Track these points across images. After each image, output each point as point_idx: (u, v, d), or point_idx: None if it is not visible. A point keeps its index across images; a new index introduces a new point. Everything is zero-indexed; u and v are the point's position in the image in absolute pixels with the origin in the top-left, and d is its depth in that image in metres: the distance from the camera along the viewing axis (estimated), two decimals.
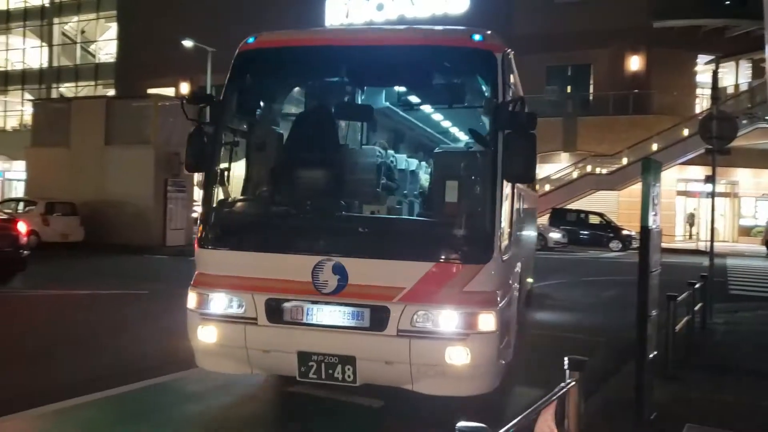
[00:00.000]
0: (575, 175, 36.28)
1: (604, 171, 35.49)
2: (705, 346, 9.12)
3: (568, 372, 3.79)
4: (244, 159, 6.34)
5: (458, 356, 5.14)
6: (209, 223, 5.92)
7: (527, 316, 10.43)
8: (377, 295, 5.25)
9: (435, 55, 5.92)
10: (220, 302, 5.59)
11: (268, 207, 6.28)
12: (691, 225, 37.09)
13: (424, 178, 7.89)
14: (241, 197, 6.27)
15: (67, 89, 49.32)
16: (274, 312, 5.43)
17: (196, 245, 5.81)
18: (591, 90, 38.66)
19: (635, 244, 29.33)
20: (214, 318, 5.60)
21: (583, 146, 36.32)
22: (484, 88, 5.80)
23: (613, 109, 36.11)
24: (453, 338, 5.16)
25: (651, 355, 5.70)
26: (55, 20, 50.11)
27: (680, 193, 36.46)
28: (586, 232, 32.05)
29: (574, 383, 3.83)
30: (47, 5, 49.94)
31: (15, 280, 13.72)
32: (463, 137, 7.40)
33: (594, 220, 32.48)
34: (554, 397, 3.60)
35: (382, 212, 6.31)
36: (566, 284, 16.68)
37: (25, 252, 13.83)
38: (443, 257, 5.30)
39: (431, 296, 5.18)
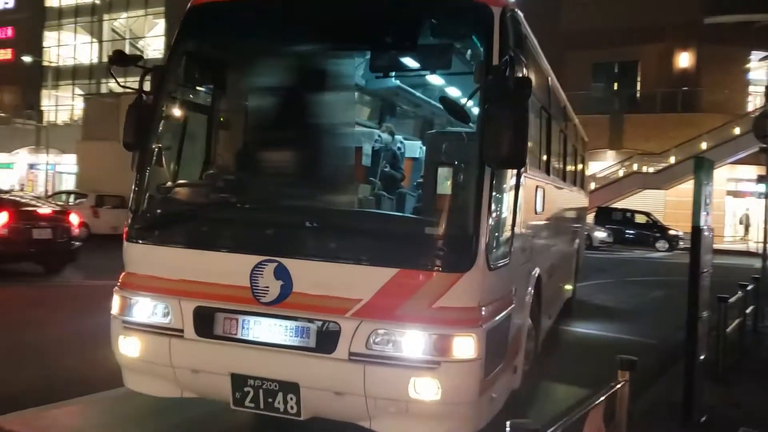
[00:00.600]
0: (621, 173, 35.75)
1: (651, 170, 34.89)
2: (756, 349, 8.92)
3: (617, 372, 3.75)
4: (186, 136, 5.42)
5: (426, 390, 4.07)
6: (138, 212, 4.87)
7: (559, 327, 9.91)
8: (326, 308, 4.23)
9: (420, 9, 4.77)
10: (144, 308, 4.65)
11: (205, 194, 5.25)
12: (747, 226, 36.12)
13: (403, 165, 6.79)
14: (178, 182, 5.27)
15: (116, 85, 50.21)
16: (204, 323, 4.46)
17: (124, 238, 4.89)
18: (638, 87, 38.02)
19: (682, 244, 28.84)
20: (136, 327, 4.67)
21: (629, 144, 35.76)
22: (475, 50, 4.75)
23: (661, 107, 35.48)
24: (419, 367, 4.08)
25: (701, 358, 5.60)
26: (105, 17, 51.09)
27: (730, 193, 35.61)
28: (631, 232, 31.55)
29: (624, 383, 3.80)
30: (97, 2, 50.97)
31: (66, 271, 13.99)
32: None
33: (640, 219, 31.97)
34: (603, 397, 3.57)
35: (344, 204, 5.01)
36: (611, 284, 16.41)
37: (76, 243, 14.11)
38: (409, 262, 4.17)
39: (393, 312, 4.13)
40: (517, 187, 4.39)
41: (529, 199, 5.52)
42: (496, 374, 4.51)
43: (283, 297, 4.29)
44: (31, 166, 49.00)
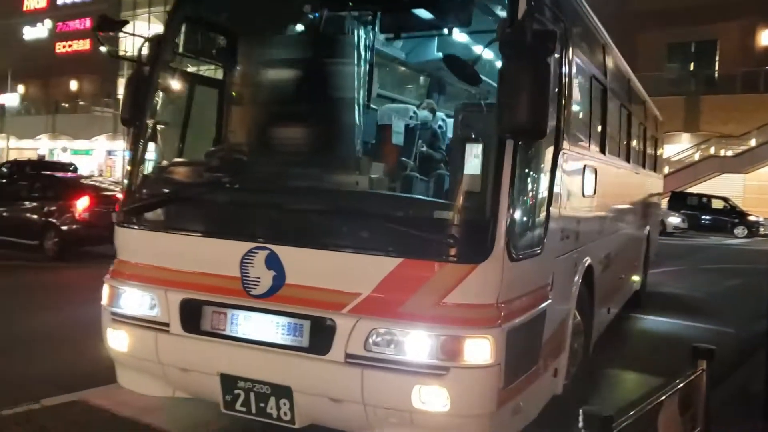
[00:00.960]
0: (697, 157, 34.49)
1: (730, 153, 33.52)
2: None
3: (694, 361, 3.61)
4: (182, 112, 5.02)
5: (432, 400, 3.53)
6: (130, 193, 4.46)
7: (630, 315, 9.44)
8: (321, 303, 3.72)
9: None
10: (131, 299, 4.25)
11: (194, 175, 4.73)
12: None
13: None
14: (168, 162, 4.85)
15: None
16: (191, 317, 4.02)
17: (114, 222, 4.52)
18: (716, 67, 36.55)
19: (763, 230, 27.70)
20: (124, 320, 4.27)
21: (706, 127, 34.41)
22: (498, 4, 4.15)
23: (741, 87, 33.95)
24: (424, 373, 3.53)
25: None
26: None
27: None
28: (707, 217, 30.36)
29: (701, 372, 3.65)
30: None
31: None
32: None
33: (717, 204, 30.71)
34: (679, 386, 3.44)
35: (341, 185, 4.31)
36: (685, 271, 15.73)
37: None
38: (414, 251, 3.61)
39: (395, 308, 3.59)
40: (554, 165, 3.90)
41: (573, 180, 4.95)
42: (523, 381, 3.92)
43: (275, 289, 3.81)
44: (109, 153, 50.57)
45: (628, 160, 8.11)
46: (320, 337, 3.72)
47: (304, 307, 3.77)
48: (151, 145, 4.59)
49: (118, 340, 4.34)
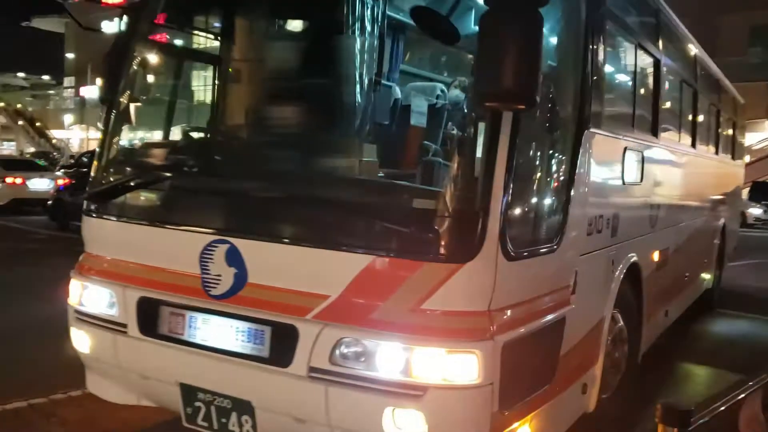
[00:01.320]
0: None
1: None
2: None
3: None
4: (155, 91, 4.63)
5: (407, 425, 2.97)
6: (96, 179, 4.02)
7: (704, 309, 8.68)
8: (285, 306, 3.20)
9: None
10: (92, 297, 3.83)
11: (160, 157, 4.26)
12: None
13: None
14: (138, 143, 4.43)
15: None
16: (148, 319, 3.58)
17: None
18: None
19: None
20: (85, 319, 3.86)
21: None
22: None
23: None
24: (398, 393, 2.96)
25: None
26: None
27: None
28: None
29: None
30: None
31: None
32: None
33: None
34: (761, 383, 3.28)
35: (310, 169, 3.70)
36: (765, 265, 14.84)
37: None
38: (387, 247, 3.06)
39: (365, 315, 3.04)
40: (575, 147, 3.37)
41: (607, 166, 4.28)
42: (532, 402, 3.35)
43: (235, 289, 3.31)
44: None
45: (693, 144, 7.23)
46: (282, 347, 3.19)
47: (266, 310, 3.24)
48: (122, 126, 4.14)
49: (81, 341, 3.94)
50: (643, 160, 4.96)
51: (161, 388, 3.66)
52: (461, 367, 2.93)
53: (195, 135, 4.45)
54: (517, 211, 3.18)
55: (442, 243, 2.96)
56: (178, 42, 4.76)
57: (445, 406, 2.96)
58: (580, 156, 3.54)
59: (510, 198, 3.00)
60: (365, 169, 3.62)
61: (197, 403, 3.50)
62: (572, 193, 3.55)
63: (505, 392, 3.04)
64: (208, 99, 4.82)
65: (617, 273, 4.56)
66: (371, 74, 4.55)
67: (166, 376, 3.60)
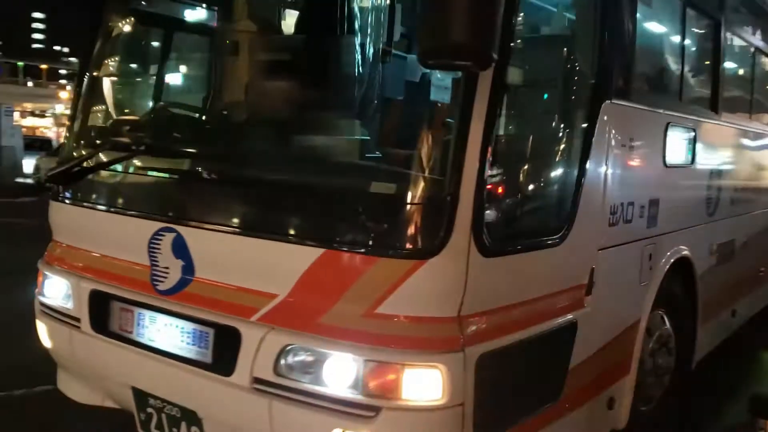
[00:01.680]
0: None
1: None
2: None
3: None
4: (123, 66, 4.15)
5: None
6: (61, 161, 3.65)
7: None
8: (231, 305, 2.76)
9: None
10: (52, 287, 3.49)
11: (116, 135, 3.72)
12: None
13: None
14: (100, 121, 3.93)
15: None
16: (100, 314, 3.21)
17: None
18: None
19: None
20: (47, 311, 3.53)
21: None
22: None
23: None
24: (347, 413, 2.50)
25: None
26: None
27: None
28: None
29: None
30: None
31: None
32: None
33: None
34: None
35: (261, 147, 3.21)
36: None
37: None
38: (339, 238, 2.58)
39: (314, 318, 2.56)
40: (591, 120, 2.88)
41: (641, 143, 3.62)
42: (529, 425, 2.86)
43: (182, 284, 2.90)
44: None
45: None
46: (224, 353, 2.76)
47: (211, 310, 2.81)
48: (84, 105, 3.78)
49: (43, 335, 3.64)
50: (695, 139, 4.30)
51: (117, 390, 3.32)
52: (421, 384, 2.43)
53: (145, 114, 4.07)
54: (500, 196, 2.65)
55: (399, 234, 2.45)
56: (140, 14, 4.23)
57: (402, 430, 2.48)
58: (596, 132, 2.98)
59: (490, 180, 2.48)
60: (328, 149, 3.08)
61: (149, 410, 3.14)
62: (585, 175, 2.99)
63: (484, 414, 2.52)
64: (167, 75, 4.38)
65: (658, 269, 3.94)
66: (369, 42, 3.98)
67: (120, 378, 3.25)
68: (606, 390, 3.51)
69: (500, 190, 2.64)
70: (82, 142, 3.72)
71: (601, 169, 3.18)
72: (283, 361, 2.60)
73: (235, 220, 2.92)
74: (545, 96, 2.93)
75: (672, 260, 4.09)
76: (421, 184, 2.46)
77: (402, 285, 2.43)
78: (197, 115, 3.81)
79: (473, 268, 2.45)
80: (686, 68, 4.32)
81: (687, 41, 4.30)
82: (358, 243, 2.54)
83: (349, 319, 2.51)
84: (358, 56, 3.05)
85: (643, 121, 3.70)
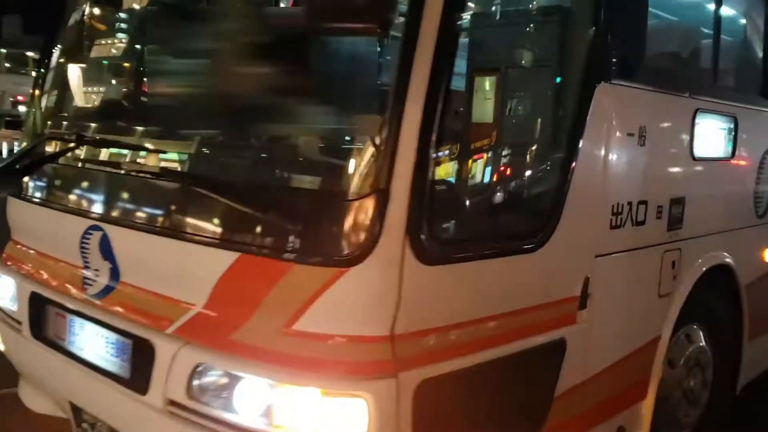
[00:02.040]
0: None
1: None
2: None
3: None
4: (85, 55, 3.77)
5: None
6: (19, 153, 3.41)
7: None
8: (150, 314, 2.45)
9: None
10: (3, 287, 3.26)
11: (57, 127, 3.48)
12: None
13: None
14: (55, 111, 3.63)
15: None
16: (38, 318, 2.96)
17: None
18: None
19: None
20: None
21: None
22: None
23: None
24: None
25: None
26: None
27: None
28: None
29: None
30: None
31: None
32: None
33: None
34: None
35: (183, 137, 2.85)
36: None
37: None
38: (254, 241, 2.23)
39: (227, 333, 2.22)
40: (581, 104, 2.48)
41: (658, 132, 3.08)
42: None
43: (108, 289, 2.63)
44: None
45: None
46: (141, 368, 2.42)
47: (132, 318, 2.51)
48: (39, 94, 3.55)
49: None
50: (736, 129, 3.72)
51: (60, 399, 3.04)
52: (344, 416, 2.02)
53: (81, 103, 3.73)
54: (449, 191, 2.24)
55: (318, 236, 2.07)
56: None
57: None
58: (589, 118, 2.53)
59: (434, 172, 2.05)
60: (243, 141, 2.67)
61: (84, 425, 2.88)
62: (574, 170, 2.53)
63: None
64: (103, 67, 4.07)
65: (686, 278, 3.40)
66: None
67: (58, 389, 2.99)
68: (613, 417, 3.04)
69: (449, 184, 2.22)
70: (29, 134, 3.50)
71: (598, 163, 2.71)
72: (195, 382, 2.24)
73: (155, 219, 2.61)
74: (518, 72, 2.44)
75: (705, 268, 3.53)
76: (344, 178, 2.08)
77: (320, 297, 2.03)
78: (123, 107, 3.50)
79: (410, 278, 2.04)
80: (723, 44, 3.70)
81: (725, 10, 3.68)
82: (273, 247, 2.16)
83: (264, 336, 2.13)
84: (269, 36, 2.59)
85: (661, 107, 3.16)
